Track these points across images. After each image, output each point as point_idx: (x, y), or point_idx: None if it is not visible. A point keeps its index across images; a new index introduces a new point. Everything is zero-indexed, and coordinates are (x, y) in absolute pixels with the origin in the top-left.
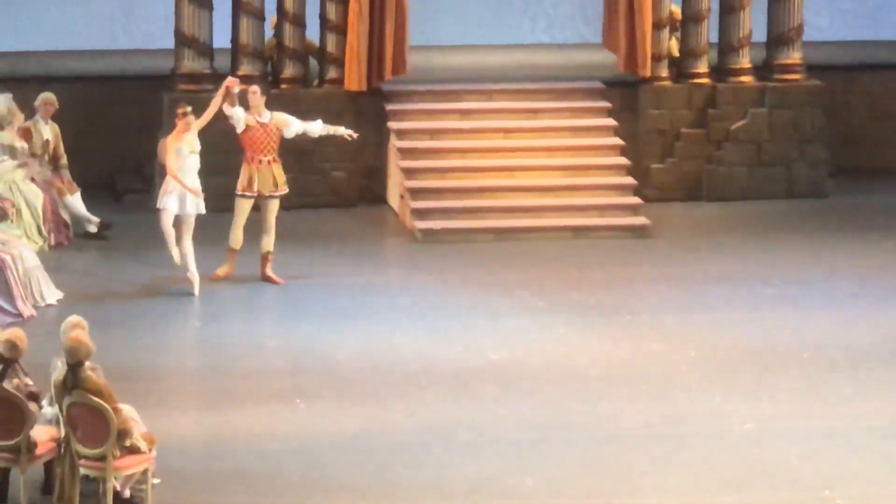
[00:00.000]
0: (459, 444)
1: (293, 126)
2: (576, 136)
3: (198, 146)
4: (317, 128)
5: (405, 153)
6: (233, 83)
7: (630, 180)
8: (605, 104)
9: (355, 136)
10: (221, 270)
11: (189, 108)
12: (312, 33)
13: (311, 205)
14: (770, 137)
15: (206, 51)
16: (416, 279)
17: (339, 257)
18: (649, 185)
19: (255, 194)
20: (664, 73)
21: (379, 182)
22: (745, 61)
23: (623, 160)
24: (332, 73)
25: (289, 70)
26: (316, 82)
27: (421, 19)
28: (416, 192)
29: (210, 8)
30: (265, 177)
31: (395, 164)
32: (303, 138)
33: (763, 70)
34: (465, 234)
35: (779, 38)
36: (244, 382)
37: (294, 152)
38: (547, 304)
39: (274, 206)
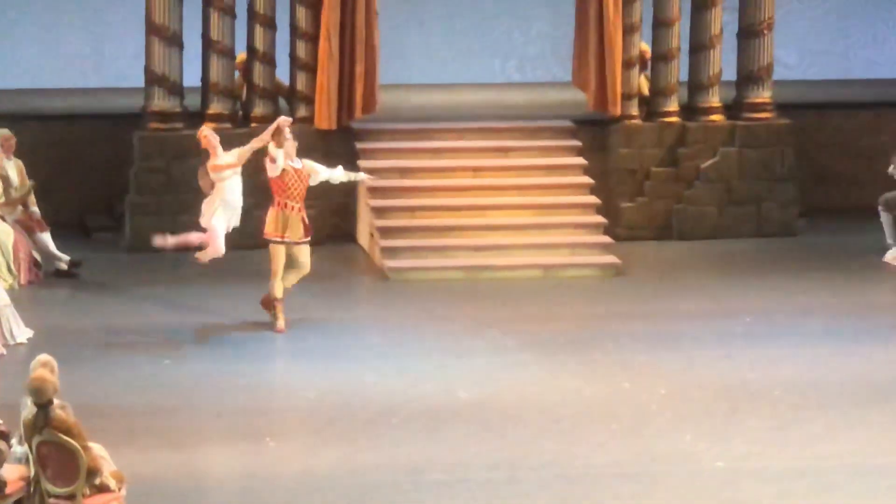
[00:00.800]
0: (430, 483)
1: (321, 174)
2: (546, 174)
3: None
4: (338, 175)
5: (375, 192)
6: (285, 122)
7: (600, 219)
8: (576, 143)
9: (373, 178)
10: (281, 323)
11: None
12: (282, 72)
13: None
14: (740, 176)
15: (177, 89)
16: (385, 318)
17: (309, 295)
18: (619, 224)
19: (287, 240)
20: (634, 111)
21: (349, 220)
22: (715, 100)
23: (593, 199)
24: (302, 112)
25: (259, 108)
26: None
27: (391, 58)
28: (385, 231)
29: (180, 47)
30: (296, 224)
31: (364, 203)
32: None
33: (733, 109)
34: (434, 273)
35: (749, 77)
36: (214, 421)
37: (263, 190)
38: (517, 343)
39: (306, 249)
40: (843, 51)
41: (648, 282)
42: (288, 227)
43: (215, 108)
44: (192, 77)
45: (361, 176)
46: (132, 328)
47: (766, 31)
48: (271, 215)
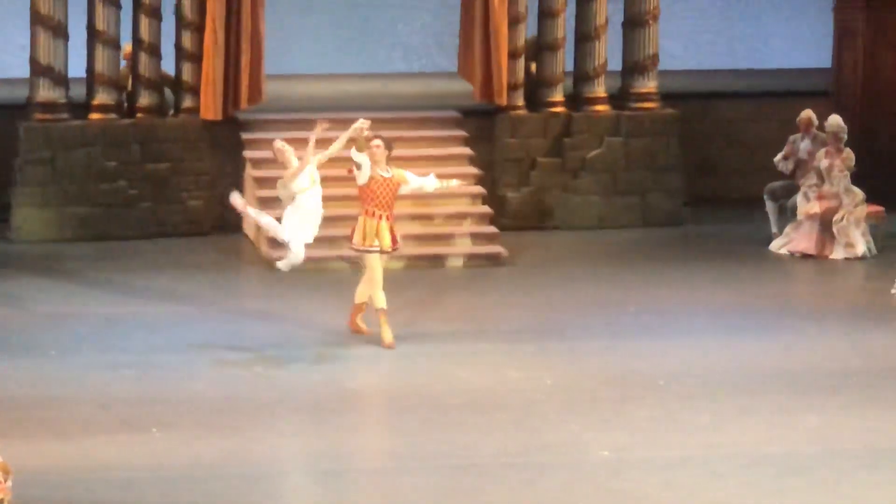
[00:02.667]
0: (318, 473)
1: (411, 183)
2: (432, 164)
3: (317, 176)
4: (431, 183)
5: (261, 182)
6: (362, 126)
7: (486, 209)
8: (461, 133)
9: (460, 183)
10: (388, 336)
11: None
12: (168, 63)
13: (168, 234)
14: (625, 166)
15: (62, 80)
16: (272, 308)
17: (196, 286)
18: (505, 214)
19: (379, 249)
20: (520, 101)
21: (235, 211)
22: (600, 90)
23: (479, 189)
24: (187, 103)
25: (145, 99)
26: (172, 111)
27: (277, 48)
28: None
29: (66, 37)
30: (385, 233)
31: (251, 193)
32: (160, 168)
33: (618, 99)
34: (320, 263)
35: (634, 67)
36: (100, 412)
37: (151, 181)
38: (404, 332)
39: (383, 262)
40: (727, 41)
41: (534, 271)
42: (377, 236)
43: (100, 98)
44: (77, 68)
45: (454, 183)
46: (16, 319)
47: (651, 22)
48: (360, 223)
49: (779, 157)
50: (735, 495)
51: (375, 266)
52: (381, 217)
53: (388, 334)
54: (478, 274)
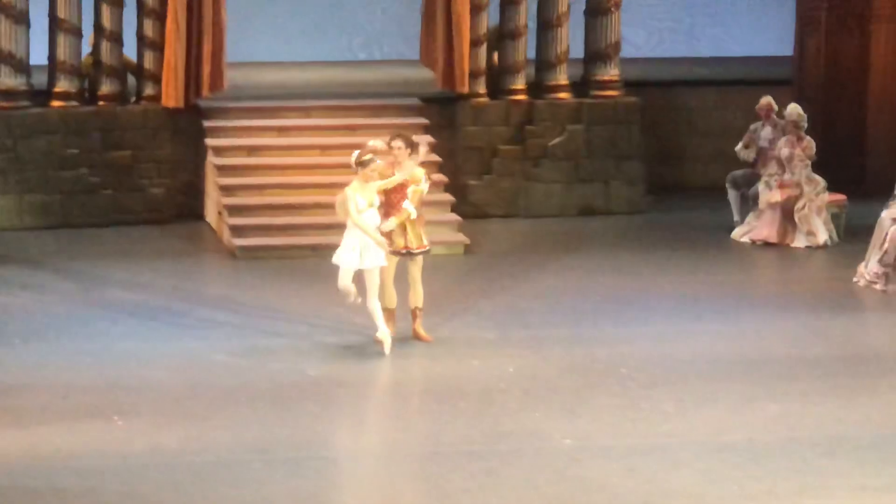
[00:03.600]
0: (279, 461)
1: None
2: None
3: (376, 200)
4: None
5: (223, 170)
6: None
7: (448, 197)
8: (423, 120)
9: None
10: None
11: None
12: (130, 50)
13: (130, 221)
14: (587, 154)
15: (23, 67)
16: (233, 296)
17: (157, 274)
18: (467, 202)
19: (401, 250)
20: (482, 89)
21: (197, 199)
22: (562, 78)
23: (441, 177)
24: (149, 90)
25: (106, 87)
26: (133, 99)
27: (239, 36)
28: (233, 209)
29: (27, 24)
30: (407, 234)
31: (212, 181)
32: (121, 156)
33: (580, 86)
34: (282, 251)
35: (596, 55)
36: (61, 400)
37: (113, 168)
38: (365, 321)
39: (419, 262)
40: (689, 29)
41: (496, 259)
42: (401, 238)
43: (62, 86)
44: (39, 55)
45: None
46: None
47: (613, 10)
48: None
49: (739, 146)
50: (696, 483)
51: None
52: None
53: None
54: (440, 262)
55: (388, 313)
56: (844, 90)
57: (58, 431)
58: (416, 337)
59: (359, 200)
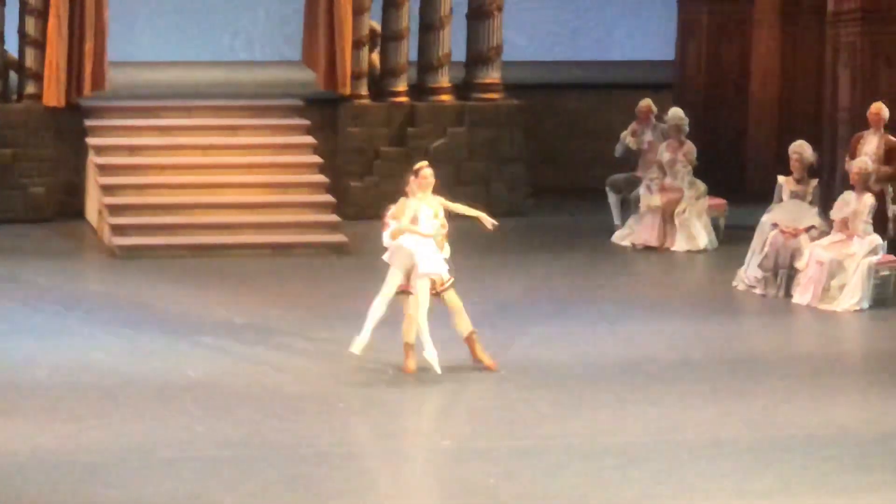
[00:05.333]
0: (159, 461)
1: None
2: (275, 153)
3: (441, 212)
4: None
5: (104, 169)
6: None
7: (329, 198)
8: (305, 122)
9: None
10: (412, 363)
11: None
12: (12, 48)
13: (10, 220)
14: (469, 157)
15: None
16: (114, 295)
17: (37, 273)
18: (348, 203)
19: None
20: (364, 91)
21: (78, 198)
22: (444, 80)
23: (322, 178)
24: (31, 89)
25: None
26: (15, 97)
27: (121, 35)
28: (114, 209)
29: None
30: None
31: (93, 181)
32: (1, 154)
33: (462, 89)
34: (163, 251)
35: (478, 57)
36: None
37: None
38: (245, 321)
39: (450, 292)
40: (572, 32)
41: (377, 261)
42: None
43: None
44: None
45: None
46: None
47: (495, 12)
48: None
49: (626, 132)
50: (575, 485)
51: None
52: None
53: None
54: (320, 263)
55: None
56: (725, 95)
57: None
58: (479, 361)
59: (424, 209)
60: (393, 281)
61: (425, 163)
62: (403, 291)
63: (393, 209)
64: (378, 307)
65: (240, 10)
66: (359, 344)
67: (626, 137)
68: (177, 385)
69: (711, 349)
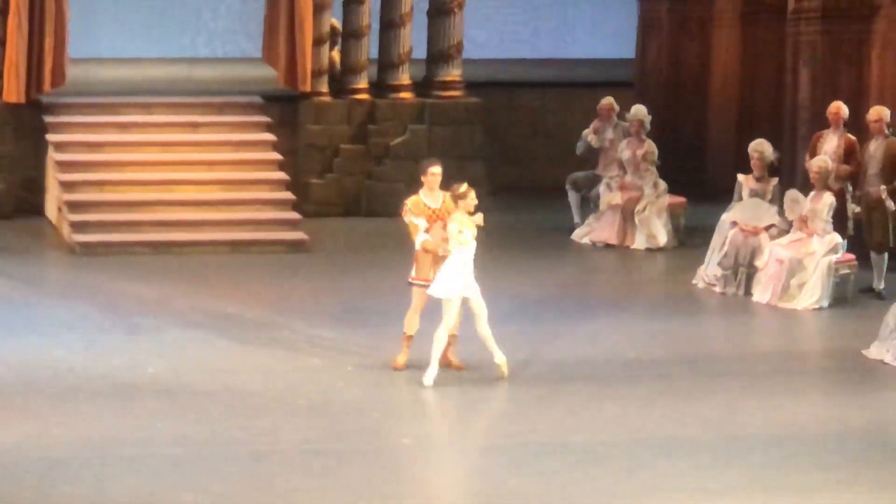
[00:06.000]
0: (118, 458)
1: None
2: (235, 150)
3: (475, 231)
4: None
5: (63, 166)
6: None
7: (289, 195)
8: (265, 119)
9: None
10: (401, 359)
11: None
12: None
13: None
14: (429, 154)
15: None
16: (74, 292)
17: None
18: (308, 201)
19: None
20: (324, 88)
21: (37, 195)
22: (405, 77)
23: (282, 175)
24: None
25: None
26: None
27: (81, 31)
28: (74, 205)
29: None
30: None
31: (53, 177)
32: None
33: (423, 87)
34: (123, 248)
35: (439, 55)
36: None
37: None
38: (205, 318)
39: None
40: (533, 31)
41: (336, 258)
42: (431, 269)
43: None
44: None
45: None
46: None
47: (456, 10)
48: (417, 257)
49: (588, 130)
50: (536, 483)
51: (417, 298)
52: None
53: (402, 359)
54: (280, 260)
55: (406, 340)
56: (685, 93)
57: None
58: (447, 365)
59: (466, 231)
60: (453, 311)
61: (435, 160)
62: (415, 283)
63: (409, 205)
64: (441, 338)
65: (201, 7)
66: (430, 376)
67: (588, 135)
68: (137, 382)
69: (671, 347)
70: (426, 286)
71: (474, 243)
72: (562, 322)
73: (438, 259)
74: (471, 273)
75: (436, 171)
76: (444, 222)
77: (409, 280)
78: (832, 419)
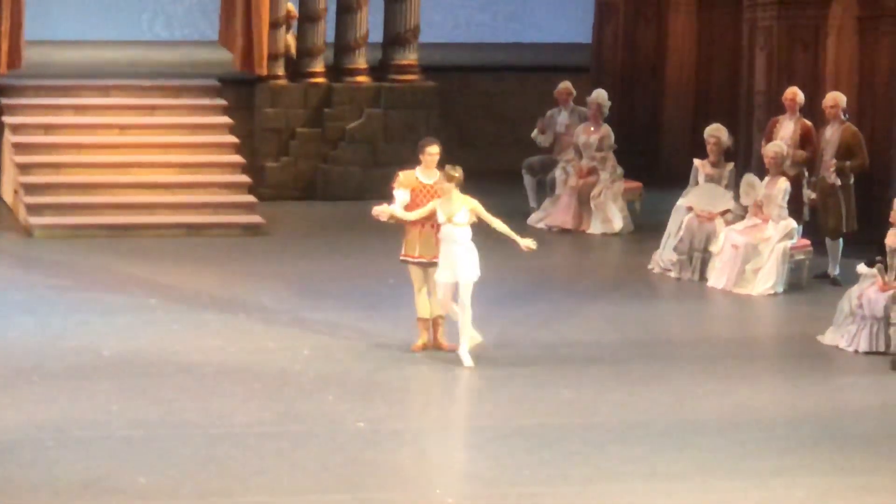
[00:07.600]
0: (72, 441)
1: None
2: (191, 133)
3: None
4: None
5: (20, 148)
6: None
7: (245, 178)
8: (221, 102)
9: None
10: (420, 342)
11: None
12: None
13: None
14: (385, 137)
15: None
16: (29, 275)
17: None
18: (264, 184)
19: (420, 259)
20: (280, 71)
21: None
22: (361, 61)
23: (238, 158)
24: None
25: None
26: None
27: (37, 13)
28: (30, 188)
29: None
30: (428, 241)
31: (9, 159)
32: None
33: (379, 70)
34: (79, 231)
35: (395, 39)
36: None
37: None
38: (160, 301)
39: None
40: (490, 15)
41: (292, 242)
42: (418, 245)
43: None
44: None
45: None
46: None
47: None
48: (406, 233)
49: (535, 132)
50: (488, 467)
51: (416, 277)
52: (423, 225)
53: (421, 342)
54: (236, 243)
55: (421, 322)
56: (641, 78)
57: None
58: (438, 346)
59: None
60: (440, 292)
61: (433, 140)
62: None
63: (401, 176)
64: (458, 312)
65: None
66: (466, 357)
67: (536, 136)
68: (91, 364)
69: (626, 332)
70: (416, 262)
71: (468, 228)
72: (517, 306)
73: (424, 235)
74: (465, 257)
75: (433, 150)
76: (439, 198)
77: (400, 258)
78: (786, 404)
